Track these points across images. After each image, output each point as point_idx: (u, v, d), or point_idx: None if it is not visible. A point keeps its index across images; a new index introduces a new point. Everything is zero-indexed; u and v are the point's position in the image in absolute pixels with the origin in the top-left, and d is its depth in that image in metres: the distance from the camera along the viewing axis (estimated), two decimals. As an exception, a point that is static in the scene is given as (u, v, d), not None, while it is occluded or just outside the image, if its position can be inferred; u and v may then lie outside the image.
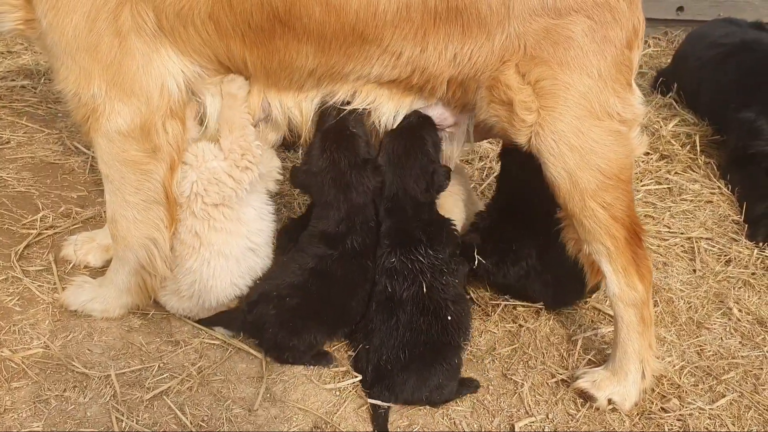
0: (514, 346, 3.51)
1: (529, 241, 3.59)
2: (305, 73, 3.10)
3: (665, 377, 3.37)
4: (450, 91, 3.16)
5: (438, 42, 3.00)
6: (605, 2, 2.96)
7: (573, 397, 3.27)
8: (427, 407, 3.18)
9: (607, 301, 3.73)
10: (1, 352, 3.19)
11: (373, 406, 3.11)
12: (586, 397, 3.23)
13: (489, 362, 3.42)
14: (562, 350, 3.52)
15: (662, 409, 3.23)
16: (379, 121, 3.27)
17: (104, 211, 4.00)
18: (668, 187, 4.85)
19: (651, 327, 3.21)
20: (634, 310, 3.16)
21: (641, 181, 4.80)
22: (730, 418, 3.22)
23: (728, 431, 3.16)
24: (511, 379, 3.34)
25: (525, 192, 3.57)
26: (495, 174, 4.32)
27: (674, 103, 5.75)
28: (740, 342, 3.62)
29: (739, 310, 3.80)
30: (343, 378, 3.27)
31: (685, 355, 3.53)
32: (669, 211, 4.59)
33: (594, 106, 2.96)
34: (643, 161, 4.98)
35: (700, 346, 3.59)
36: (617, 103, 3.00)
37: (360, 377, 3.25)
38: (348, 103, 3.22)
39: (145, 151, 3.09)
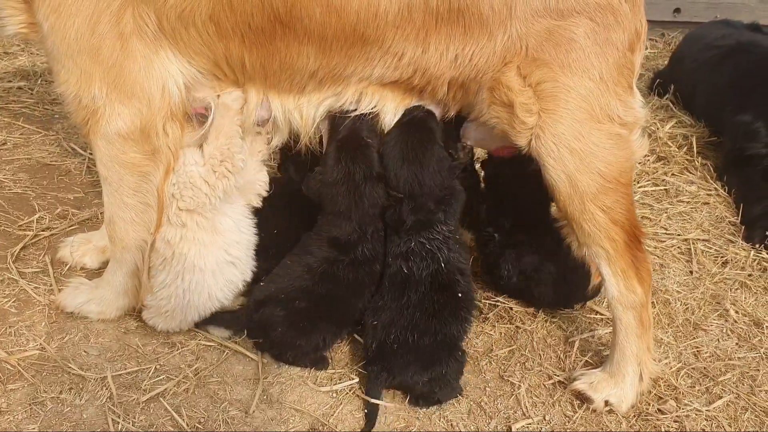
0: (511, 348, 3.51)
1: (527, 247, 3.59)
2: (306, 74, 3.09)
3: (662, 379, 3.36)
4: (451, 92, 3.16)
5: (439, 43, 3.00)
6: (608, 4, 2.95)
7: (570, 399, 3.26)
8: (424, 409, 3.17)
9: (604, 303, 3.77)
10: (-3, 354, 3.19)
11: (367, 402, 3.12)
12: (583, 398, 3.23)
13: (486, 364, 3.42)
14: (559, 352, 3.51)
15: (659, 410, 3.23)
16: (382, 124, 3.28)
17: (101, 213, 4.04)
18: (665, 189, 4.86)
19: (649, 330, 3.21)
20: (632, 313, 3.16)
21: (638, 182, 4.81)
22: (726, 419, 3.22)
23: (725, 433, 3.17)
24: (508, 380, 3.34)
25: (515, 198, 3.61)
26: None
27: (671, 105, 5.77)
28: (737, 343, 3.62)
29: (736, 312, 3.80)
30: (339, 380, 3.27)
31: (682, 356, 3.53)
32: (666, 212, 4.59)
33: (595, 109, 2.96)
34: (640, 163, 4.99)
35: (697, 347, 3.59)
36: (618, 106, 3.00)
37: (356, 379, 3.25)
38: (354, 110, 3.23)
39: (145, 153, 3.09)
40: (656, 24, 6.95)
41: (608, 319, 3.69)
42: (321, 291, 3.27)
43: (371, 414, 3.06)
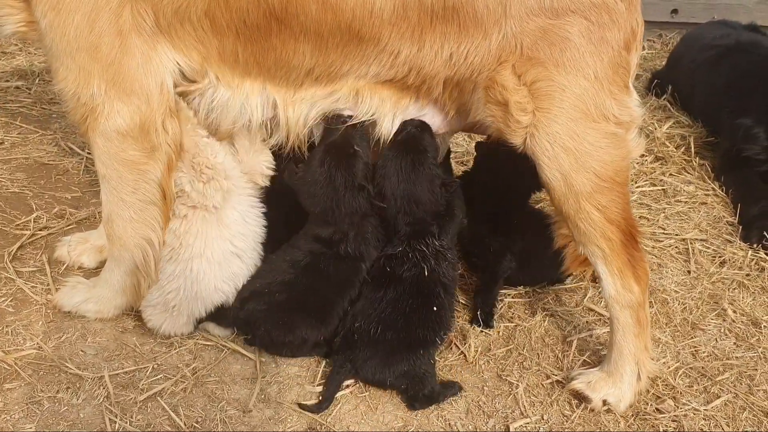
0: (509, 347, 3.50)
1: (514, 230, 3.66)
2: (303, 72, 3.09)
3: (660, 378, 3.36)
4: (446, 91, 3.15)
5: (434, 41, 3.00)
6: (603, 3, 2.95)
7: (568, 398, 3.26)
8: (421, 410, 3.16)
9: (602, 302, 3.77)
10: (-6, 353, 3.18)
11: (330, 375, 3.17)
12: (581, 398, 3.22)
13: (484, 363, 3.41)
14: (557, 351, 3.51)
15: (657, 410, 3.23)
16: (379, 129, 3.28)
17: (98, 212, 4.03)
18: (663, 189, 4.85)
19: (647, 329, 3.21)
20: (629, 312, 3.16)
21: (636, 182, 4.81)
22: (724, 419, 3.22)
23: (723, 432, 3.16)
24: (506, 380, 3.34)
25: (500, 181, 3.64)
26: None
27: (669, 105, 5.76)
28: (735, 343, 3.62)
29: (734, 311, 3.80)
30: (338, 379, 3.26)
31: (680, 356, 3.53)
32: (663, 212, 4.59)
33: (590, 108, 2.96)
34: (638, 163, 4.99)
35: (695, 347, 3.59)
36: (613, 105, 2.99)
37: (354, 380, 3.25)
38: (350, 117, 3.25)
39: (144, 150, 3.08)
40: (654, 24, 6.94)
41: (606, 318, 3.66)
42: (302, 283, 3.28)
43: (328, 397, 3.12)
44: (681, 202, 4.75)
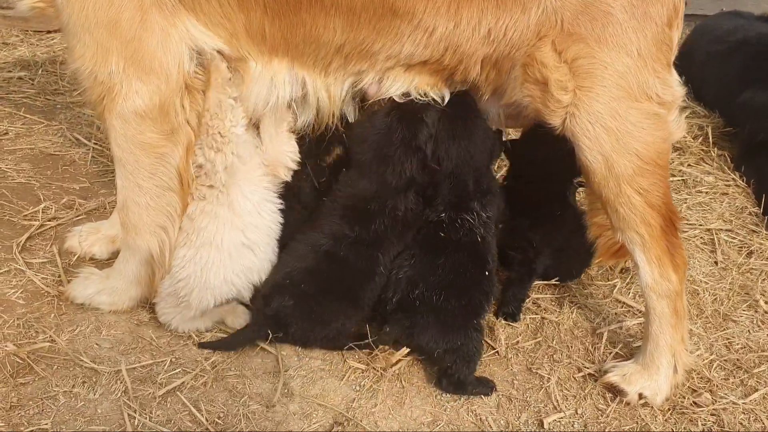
0: (537, 340, 3.39)
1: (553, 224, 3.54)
2: (332, 49, 2.95)
3: (695, 371, 3.25)
4: (484, 72, 3.02)
5: (471, 17, 2.87)
6: None
7: (602, 392, 3.15)
8: (451, 403, 3.04)
9: (630, 294, 3.67)
10: (6, 346, 3.04)
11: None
12: (615, 391, 3.11)
13: (513, 356, 3.30)
14: (587, 343, 3.40)
15: (694, 403, 3.12)
16: None
17: (109, 203, 3.91)
18: (682, 179, 4.75)
19: (684, 319, 3.10)
20: (667, 302, 3.04)
21: (656, 172, 4.69)
22: (764, 412, 3.11)
23: (764, 427, 3.04)
24: (537, 373, 3.22)
25: (539, 169, 3.52)
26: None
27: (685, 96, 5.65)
28: (769, 335, 3.52)
29: (766, 302, 3.69)
30: (363, 372, 3.14)
31: (714, 348, 3.42)
32: (685, 203, 4.49)
33: (632, 86, 2.84)
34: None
35: (728, 338, 3.48)
36: (657, 83, 2.88)
37: (381, 372, 3.14)
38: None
39: (162, 133, 2.95)
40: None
41: (636, 310, 3.58)
42: (325, 272, 3.13)
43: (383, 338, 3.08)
44: (702, 192, 4.65)
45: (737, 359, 3.36)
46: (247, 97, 3.05)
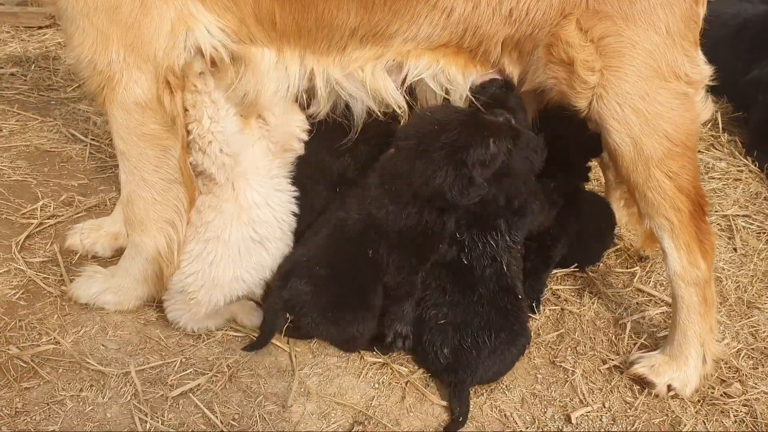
0: (559, 332, 3.27)
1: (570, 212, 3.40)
2: (346, 32, 2.82)
3: (722, 360, 3.14)
4: (505, 54, 2.90)
5: None
6: None
7: (628, 384, 3.05)
8: (474, 399, 2.93)
9: (651, 283, 3.56)
10: (8, 349, 2.90)
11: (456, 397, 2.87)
12: (643, 383, 3.01)
13: (535, 349, 3.18)
14: (611, 334, 3.29)
15: (725, 394, 3.01)
16: (425, 96, 3.01)
17: (109, 199, 3.79)
18: (695, 166, 4.64)
19: (713, 308, 3.00)
20: (695, 290, 2.94)
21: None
22: (797, 402, 3.01)
23: (798, 416, 2.95)
24: (561, 366, 3.11)
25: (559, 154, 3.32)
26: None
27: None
28: (795, 322, 3.42)
29: (790, 289, 3.59)
30: (381, 368, 3.02)
31: (740, 336, 3.32)
32: (700, 189, 4.38)
33: (661, 65, 2.73)
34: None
35: (754, 327, 3.37)
36: (685, 62, 2.77)
37: (399, 367, 3.01)
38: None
39: (165, 124, 2.83)
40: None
41: (657, 299, 3.48)
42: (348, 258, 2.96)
43: (461, 416, 2.82)
44: (715, 178, 4.56)
45: (765, 348, 3.26)
46: (256, 86, 2.91)
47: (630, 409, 2.94)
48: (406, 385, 2.96)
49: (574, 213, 3.41)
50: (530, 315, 3.30)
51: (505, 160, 2.89)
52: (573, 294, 3.50)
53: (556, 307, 3.41)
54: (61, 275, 3.29)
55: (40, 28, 5.76)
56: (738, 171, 4.65)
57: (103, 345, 3.01)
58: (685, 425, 2.87)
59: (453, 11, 2.78)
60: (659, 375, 2.98)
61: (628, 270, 3.66)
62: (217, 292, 3.02)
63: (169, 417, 2.74)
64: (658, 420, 2.90)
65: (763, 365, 3.17)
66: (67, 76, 5.04)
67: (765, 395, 3.02)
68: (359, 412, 2.83)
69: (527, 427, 2.84)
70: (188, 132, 2.95)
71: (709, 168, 4.67)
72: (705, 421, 2.90)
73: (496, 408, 2.92)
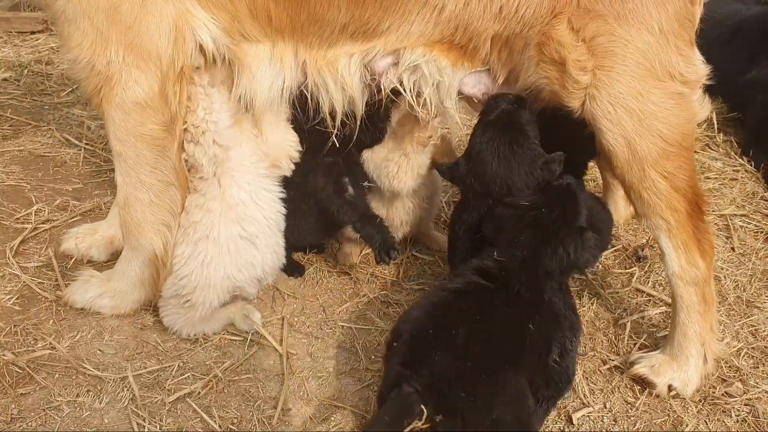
0: (558, 333, 3.25)
1: None
2: (337, 28, 2.80)
3: (723, 360, 3.13)
4: (494, 51, 2.88)
5: None
6: None
7: (629, 384, 3.03)
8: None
9: (650, 283, 3.55)
10: (4, 355, 2.88)
11: None
12: (644, 383, 2.99)
13: (534, 350, 3.16)
14: (610, 334, 3.27)
15: (726, 393, 3.00)
16: (421, 91, 2.99)
17: (104, 203, 3.76)
18: (690, 166, 4.63)
19: (713, 307, 2.98)
20: (695, 289, 2.92)
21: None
22: (799, 401, 2.99)
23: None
24: (561, 367, 3.09)
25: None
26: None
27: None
28: (795, 321, 3.41)
29: (789, 288, 3.58)
30: (380, 372, 2.98)
31: (740, 335, 3.31)
32: (696, 189, 4.37)
33: (654, 65, 2.71)
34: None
35: (754, 326, 3.36)
36: (680, 61, 2.75)
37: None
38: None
39: (163, 124, 2.81)
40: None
41: (656, 299, 3.47)
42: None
43: None
44: (711, 178, 4.55)
45: (765, 347, 3.24)
46: (249, 82, 2.89)
47: (631, 409, 2.92)
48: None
49: None
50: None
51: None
52: (572, 295, 3.47)
53: (555, 308, 3.39)
54: (57, 280, 3.27)
55: (33, 33, 5.74)
56: (734, 171, 4.64)
57: (99, 350, 2.98)
58: (686, 425, 2.85)
59: (444, 8, 2.77)
60: (660, 375, 2.96)
61: (627, 270, 3.65)
62: (211, 292, 3.00)
63: (167, 422, 2.72)
64: (659, 420, 2.88)
65: (763, 364, 3.16)
66: (60, 80, 5.02)
67: (766, 394, 3.00)
68: (360, 415, 2.81)
69: (528, 429, 2.82)
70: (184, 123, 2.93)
71: (705, 168, 4.65)
72: (707, 420, 2.88)
73: (497, 409, 2.89)
